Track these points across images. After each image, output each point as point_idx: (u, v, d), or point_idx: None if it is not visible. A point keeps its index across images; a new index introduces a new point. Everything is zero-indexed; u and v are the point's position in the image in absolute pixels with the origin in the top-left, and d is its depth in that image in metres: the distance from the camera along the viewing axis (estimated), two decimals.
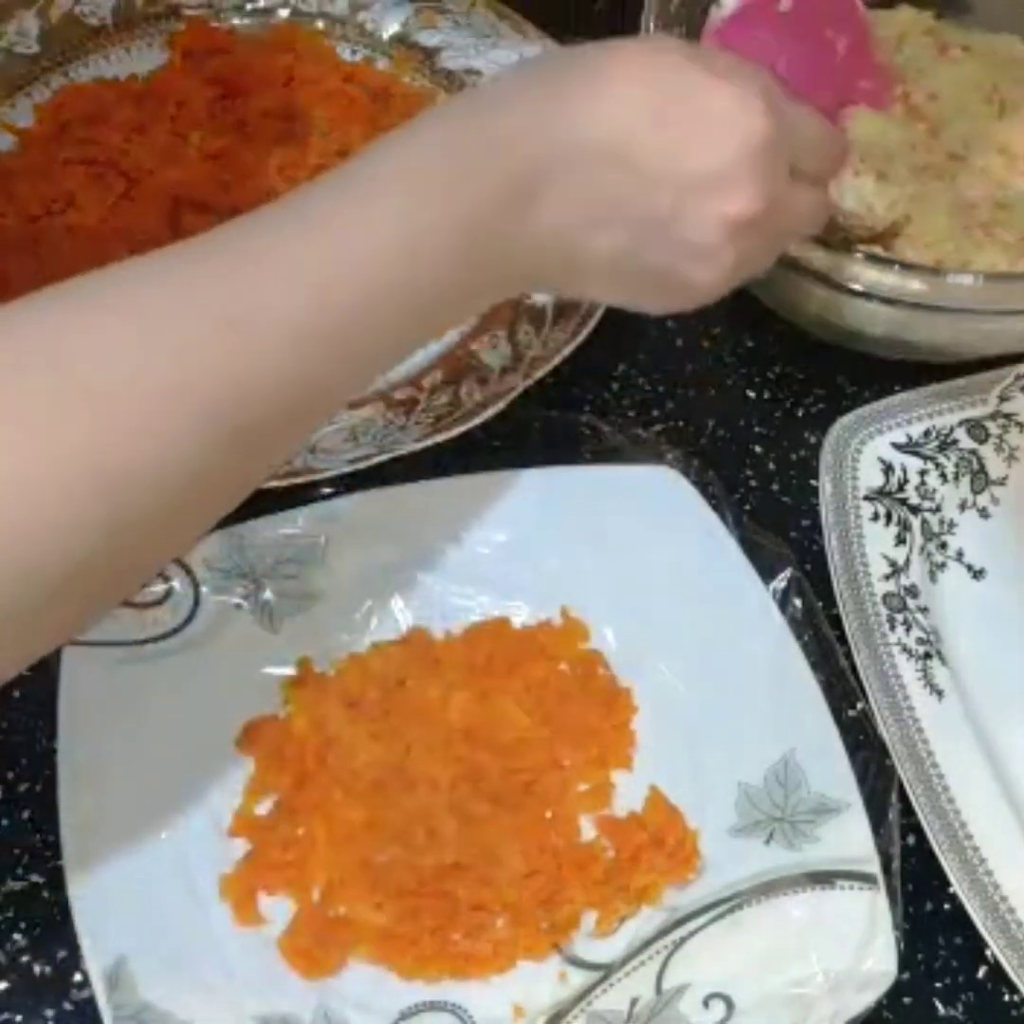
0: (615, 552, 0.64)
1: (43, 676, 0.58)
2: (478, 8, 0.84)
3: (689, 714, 0.61)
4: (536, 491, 0.65)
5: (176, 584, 0.61)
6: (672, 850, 0.57)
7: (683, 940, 0.55)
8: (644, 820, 0.58)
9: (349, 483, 0.65)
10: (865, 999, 0.53)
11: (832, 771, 0.58)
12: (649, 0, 0.74)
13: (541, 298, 0.73)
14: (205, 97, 0.78)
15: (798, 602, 0.62)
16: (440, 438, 0.66)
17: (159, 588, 0.61)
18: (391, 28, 0.85)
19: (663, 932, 0.55)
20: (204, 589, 0.62)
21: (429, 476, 0.66)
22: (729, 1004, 0.53)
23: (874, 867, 0.55)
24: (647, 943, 0.55)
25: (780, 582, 0.63)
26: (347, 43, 0.84)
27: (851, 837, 0.56)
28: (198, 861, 0.56)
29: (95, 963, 0.52)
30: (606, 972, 0.55)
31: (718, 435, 0.73)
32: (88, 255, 0.70)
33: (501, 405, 0.67)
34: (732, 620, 0.62)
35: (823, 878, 0.55)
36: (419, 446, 0.66)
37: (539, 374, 0.69)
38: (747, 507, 0.69)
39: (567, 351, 0.70)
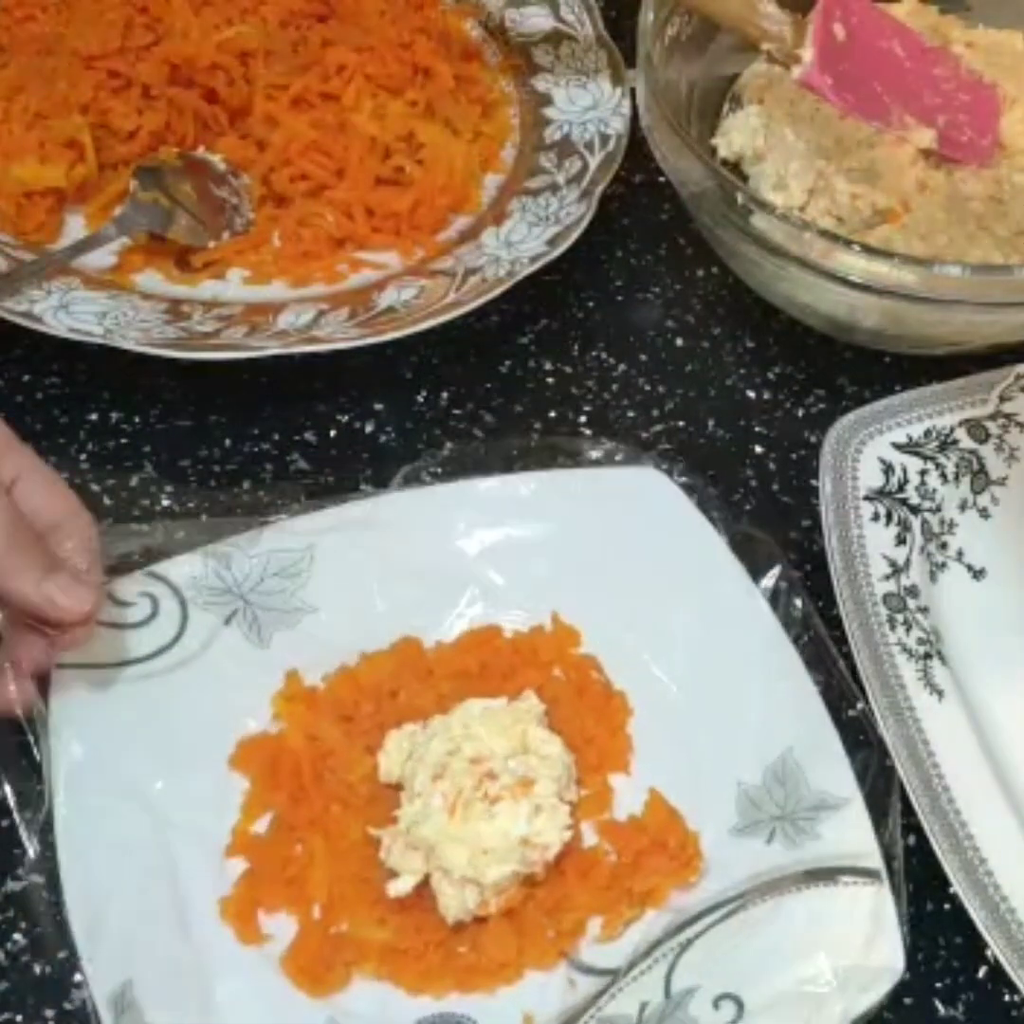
0: (603, 556, 0.64)
1: (43, 675, 0.58)
2: (595, 51, 0.85)
3: (685, 715, 0.61)
4: (521, 497, 0.65)
5: (163, 604, 0.61)
6: (674, 852, 0.57)
7: (690, 942, 0.54)
8: (645, 823, 0.58)
9: (332, 494, 0.65)
10: (873, 995, 0.52)
11: (830, 767, 0.58)
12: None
13: None
14: (292, 8, 0.79)
15: (797, 602, 0.62)
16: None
17: (147, 608, 0.60)
18: (523, 31, 0.86)
19: (669, 935, 0.55)
20: (191, 608, 0.61)
21: (412, 485, 0.66)
22: (739, 1005, 0.52)
23: (876, 862, 0.55)
24: (654, 946, 0.55)
25: (770, 579, 0.63)
26: (482, 28, 0.86)
27: (852, 833, 0.56)
28: (198, 881, 0.55)
29: (99, 989, 0.51)
30: (614, 977, 0.54)
31: (718, 435, 0.73)
32: (77, 80, 0.76)
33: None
34: (723, 619, 0.62)
35: (826, 875, 0.55)
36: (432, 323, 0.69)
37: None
38: (747, 507, 0.70)
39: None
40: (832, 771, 0.57)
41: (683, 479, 0.65)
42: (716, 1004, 0.53)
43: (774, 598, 0.62)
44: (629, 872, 0.57)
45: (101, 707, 0.58)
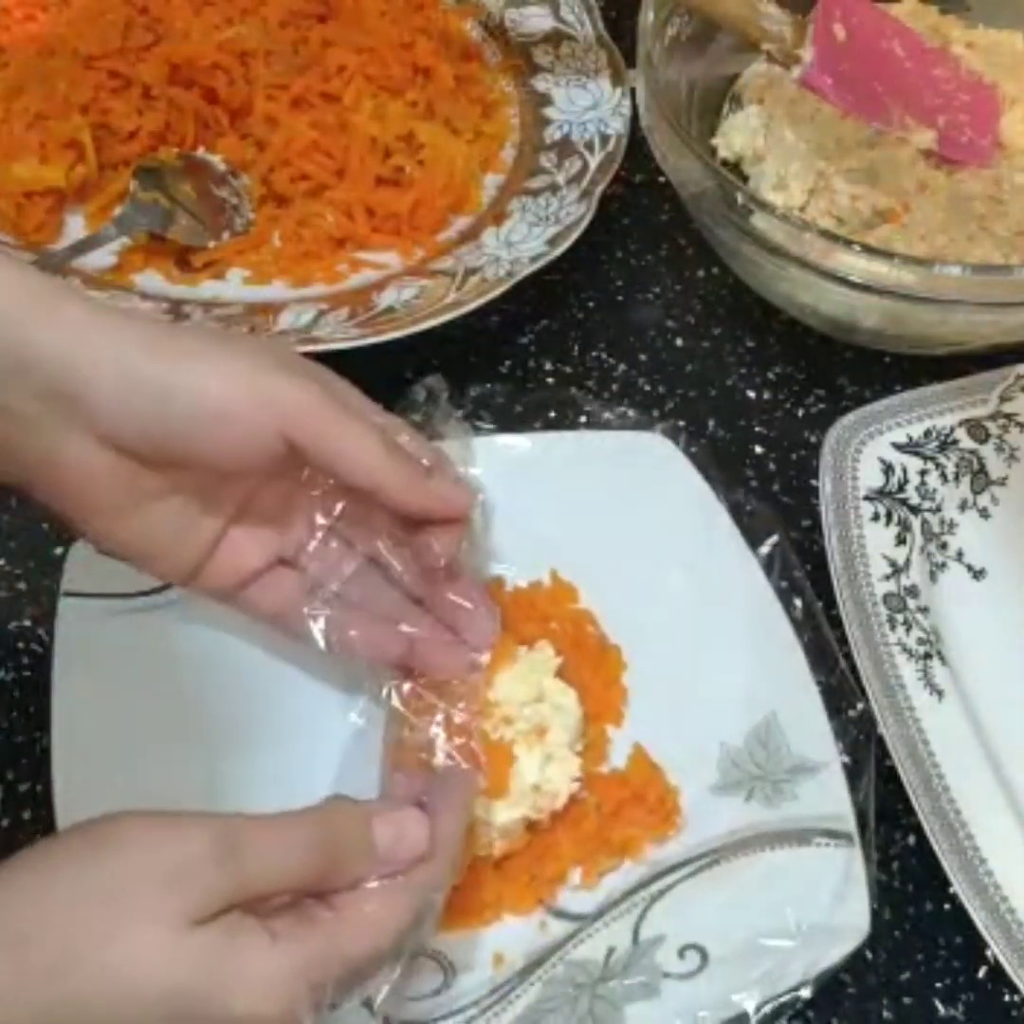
0: (605, 516, 0.65)
1: (43, 675, 0.58)
2: (595, 51, 0.85)
3: (674, 676, 0.61)
4: (526, 455, 0.66)
5: None
6: (653, 806, 0.58)
7: (662, 892, 0.55)
8: (627, 776, 0.59)
9: None
10: (836, 953, 0.53)
11: (811, 732, 0.58)
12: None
13: None
14: (292, 8, 0.80)
15: (798, 602, 0.62)
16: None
17: None
18: (523, 31, 0.86)
19: (643, 885, 0.56)
20: None
21: None
22: (704, 955, 0.54)
23: (849, 825, 0.56)
24: (626, 895, 0.56)
25: (766, 547, 0.63)
26: (482, 28, 0.87)
27: (828, 796, 0.57)
28: None
29: None
30: (584, 922, 0.55)
31: (718, 435, 0.73)
32: (77, 80, 0.76)
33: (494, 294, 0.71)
34: (718, 583, 0.63)
35: (800, 836, 0.56)
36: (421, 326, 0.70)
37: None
38: (748, 508, 0.69)
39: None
40: (813, 736, 0.58)
41: (687, 446, 0.66)
42: (681, 953, 0.54)
43: (769, 564, 0.63)
44: (609, 823, 0.57)
45: (107, 638, 0.59)
